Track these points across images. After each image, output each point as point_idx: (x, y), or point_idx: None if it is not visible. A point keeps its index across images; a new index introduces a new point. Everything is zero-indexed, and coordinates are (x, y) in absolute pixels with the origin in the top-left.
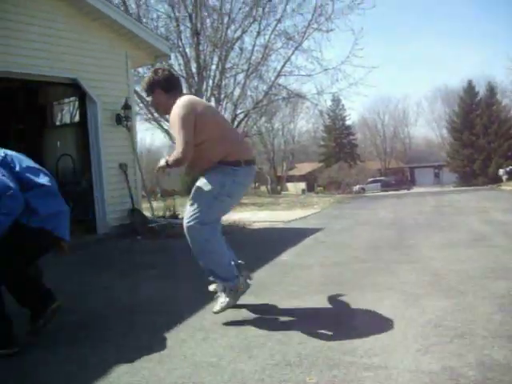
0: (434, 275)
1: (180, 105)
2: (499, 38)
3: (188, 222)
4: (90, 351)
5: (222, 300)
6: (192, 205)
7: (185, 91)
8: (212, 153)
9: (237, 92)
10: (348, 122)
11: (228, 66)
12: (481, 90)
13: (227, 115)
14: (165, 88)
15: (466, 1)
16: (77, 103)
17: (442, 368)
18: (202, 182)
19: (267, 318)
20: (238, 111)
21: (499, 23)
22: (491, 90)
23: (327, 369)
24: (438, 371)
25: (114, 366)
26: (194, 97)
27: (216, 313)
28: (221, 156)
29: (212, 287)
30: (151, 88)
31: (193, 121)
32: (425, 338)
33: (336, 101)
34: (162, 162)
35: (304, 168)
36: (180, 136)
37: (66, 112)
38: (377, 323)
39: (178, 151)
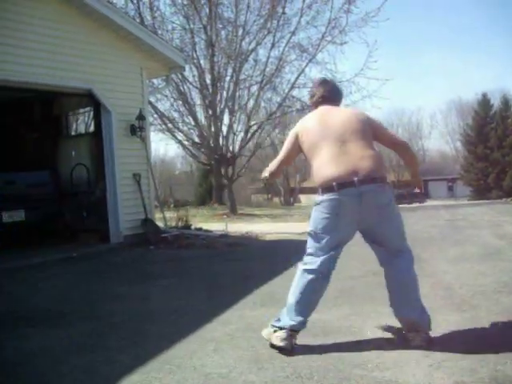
0: (448, 289)
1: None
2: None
3: None
4: (100, 360)
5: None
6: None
7: (198, 102)
8: None
9: (250, 103)
10: None
11: (242, 77)
12: (495, 102)
13: (241, 126)
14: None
15: (479, 13)
16: (91, 113)
17: (453, 383)
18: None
19: None
20: (252, 123)
21: None
22: (506, 102)
23: (338, 382)
24: None
25: (125, 375)
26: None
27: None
28: None
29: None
30: None
31: None
32: (437, 352)
33: None
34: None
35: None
36: None
37: (81, 122)
38: (388, 337)
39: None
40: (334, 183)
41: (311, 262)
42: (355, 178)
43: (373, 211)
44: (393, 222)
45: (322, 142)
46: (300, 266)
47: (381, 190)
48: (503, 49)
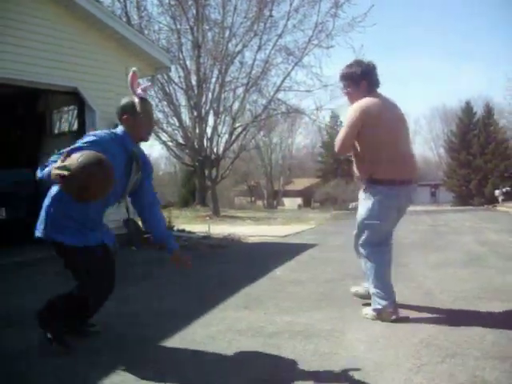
0: (428, 294)
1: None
2: (498, 58)
3: None
4: (80, 363)
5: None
6: None
7: (184, 103)
8: None
9: (236, 105)
10: None
11: (228, 79)
12: (478, 110)
13: (225, 128)
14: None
15: (465, 20)
16: (76, 112)
17: None
18: None
19: (259, 333)
20: (237, 125)
21: (498, 44)
22: (488, 110)
23: None
24: None
25: (105, 376)
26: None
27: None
28: None
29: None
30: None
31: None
32: (417, 357)
33: (335, 117)
34: None
35: (301, 183)
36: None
37: (65, 120)
38: (369, 341)
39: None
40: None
41: None
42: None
43: None
44: None
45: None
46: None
47: None
48: (488, 57)
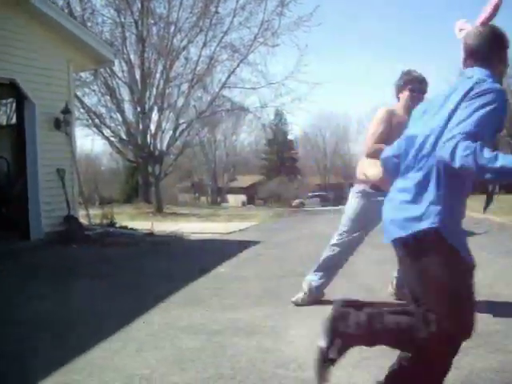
0: (369, 290)
1: None
2: (435, 58)
3: None
4: (16, 365)
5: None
6: None
7: (127, 98)
8: None
9: (180, 102)
10: (290, 137)
11: (172, 75)
12: None
13: (169, 125)
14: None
15: (412, 23)
16: (14, 105)
17: (374, 381)
18: None
19: (202, 330)
20: (181, 121)
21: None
22: None
23: (260, 382)
24: None
25: (46, 377)
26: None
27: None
28: None
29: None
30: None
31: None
32: (357, 351)
33: (279, 115)
34: None
35: (245, 180)
36: None
37: (3, 113)
38: (311, 337)
39: None
40: None
41: None
42: None
43: None
44: None
45: None
46: None
47: None
48: (427, 58)
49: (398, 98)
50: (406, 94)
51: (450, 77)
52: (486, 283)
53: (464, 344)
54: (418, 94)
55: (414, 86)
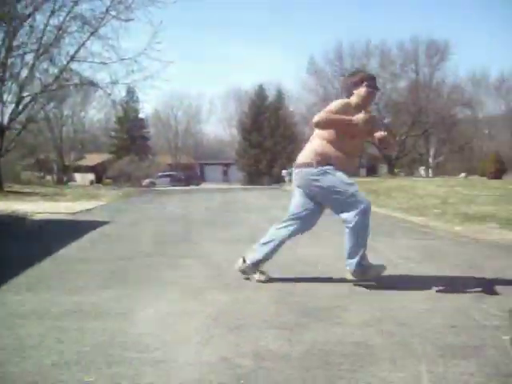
0: (217, 269)
1: None
2: (289, 45)
3: None
4: None
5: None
6: None
7: None
8: None
9: (24, 73)
10: (141, 115)
11: (16, 43)
12: (271, 94)
13: (11, 97)
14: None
15: (262, 7)
16: None
17: (221, 359)
18: None
19: (45, 315)
20: (25, 94)
21: (291, 30)
22: (279, 95)
23: (107, 366)
24: (217, 362)
25: None
26: None
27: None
28: None
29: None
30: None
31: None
32: (205, 330)
33: (130, 92)
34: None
35: (93, 159)
36: None
37: None
38: (160, 318)
39: None
40: None
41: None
42: None
43: None
44: None
45: None
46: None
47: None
48: (280, 43)
49: (350, 95)
50: (362, 91)
51: None
52: (326, 261)
53: (306, 319)
54: (374, 90)
55: (370, 82)
